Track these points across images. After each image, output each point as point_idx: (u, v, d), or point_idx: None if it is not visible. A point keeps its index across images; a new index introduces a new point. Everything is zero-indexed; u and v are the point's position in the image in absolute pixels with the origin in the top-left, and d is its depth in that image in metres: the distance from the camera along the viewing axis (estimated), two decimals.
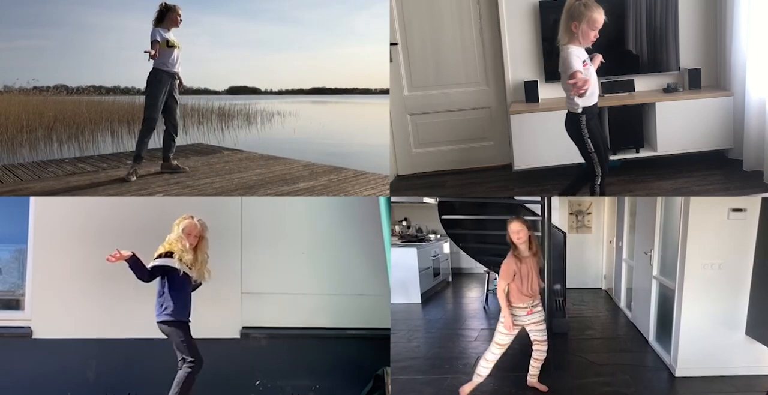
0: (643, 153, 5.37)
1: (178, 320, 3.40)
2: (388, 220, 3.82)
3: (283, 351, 3.87)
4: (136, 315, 4.00)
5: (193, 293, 3.63)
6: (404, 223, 9.68)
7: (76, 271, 4.00)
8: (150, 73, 5.53)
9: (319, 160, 6.92)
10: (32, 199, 4.09)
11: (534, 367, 3.90)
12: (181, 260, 3.39)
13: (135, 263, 3.31)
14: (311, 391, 4.05)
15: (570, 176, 5.19)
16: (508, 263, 3.66)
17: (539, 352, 3.82)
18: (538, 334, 3.78)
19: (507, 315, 3.65)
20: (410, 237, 9.03)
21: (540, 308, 3.76)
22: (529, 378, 3.94)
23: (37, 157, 9.86)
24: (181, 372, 3.39)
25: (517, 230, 3.60)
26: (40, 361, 3.90)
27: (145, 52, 5.30)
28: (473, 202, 5.99)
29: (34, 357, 3.89)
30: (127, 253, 3.28)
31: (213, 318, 4.08)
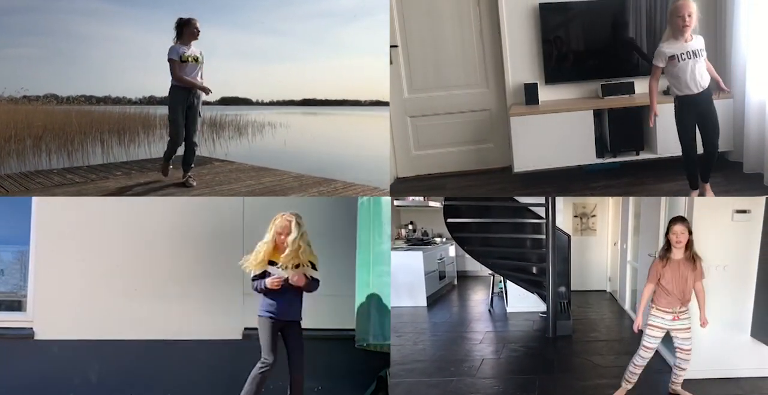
0: (644, 155, 5.35)
1: (262, 316, 3.49)
2: (365, 222, 3.83)
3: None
4: (137, 316, 4.03)
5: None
6: (410, 227, 9.67)
7: (78, 272, 4.01)
8: (169, 90, 5.54)
9: (309, 171, 6.87)
10: (34, 200, 4.10)
11: (676, 375, 3.81)
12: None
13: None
14: (314, 392, 4.05)
15: (568, 178, 5.29)
16: (654, 265, 3.66)
17: (682, 361, 3.74)
18: (682, 342, 3.70)
19: (639, 316, 3.71)
20: (416, 241, 9.01)
21: (687, 315, 3.69)
22: (671, 385, 3.87)
23: (25, 167, 9.74)
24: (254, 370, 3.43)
25: (680, 232, 3.54)
26: (42, 363, 3.90)
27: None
28: (478, 205, 6.01)
29: (36, 359, 3.90)
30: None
31: (215, 319, 4.09)
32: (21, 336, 3.88)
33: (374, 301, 3.79)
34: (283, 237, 3.44)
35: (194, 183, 5.71)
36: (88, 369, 3.88)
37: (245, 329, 4.10)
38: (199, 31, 5.50)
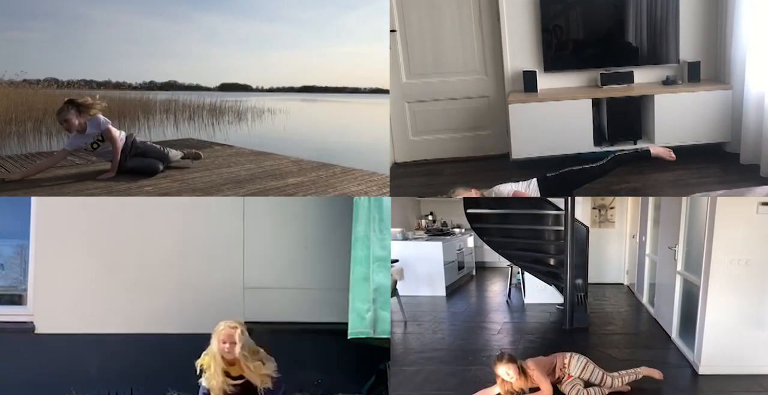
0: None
1: None
2: (362, 219, 3.75)
3: (285, 345, 3.79)
4: (138, 310, 4.03)
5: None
6: (430, 217, 9.70)
7: (78, 266, 4.02)
8: None
9: (308, 156, 6.93)
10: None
11: None
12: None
13: None
14: (314, 386, 4.02)
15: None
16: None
17: None
18: None
19: None
20: (435, 231, 9.04)
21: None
22: None
23: (26, 149, 9.95)
24: None
25: (503, 374, 3.29)
26: (42, 357, 3.92)
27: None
28: (497, 196, 5.96)
29: (36, 353, 3.92)
30: None
31: (215, 313, 4.03)
32: (21, 330, 3.90)
33: (376, 296, 3.73)
34: (227, 346, 3.27)
35: (201, 153, 5.74)
36: (89, 363, 3.89)
37: (246, 322, 4.05)
38: (66, 122, 5.13)
